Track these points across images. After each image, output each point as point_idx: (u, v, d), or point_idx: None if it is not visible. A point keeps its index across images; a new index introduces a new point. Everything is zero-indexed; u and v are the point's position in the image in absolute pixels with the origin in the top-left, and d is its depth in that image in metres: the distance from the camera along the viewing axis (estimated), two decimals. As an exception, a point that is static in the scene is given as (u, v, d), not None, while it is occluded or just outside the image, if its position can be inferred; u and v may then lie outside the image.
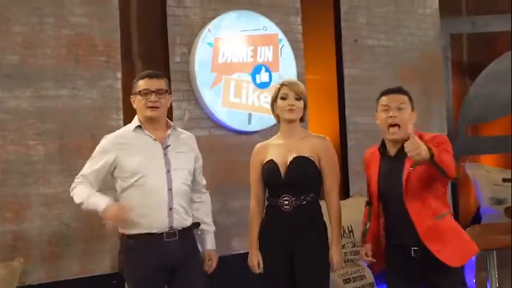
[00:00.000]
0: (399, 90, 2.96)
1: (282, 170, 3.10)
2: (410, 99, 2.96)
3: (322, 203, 3.19)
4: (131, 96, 3.01)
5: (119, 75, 4.17)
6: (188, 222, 3.00)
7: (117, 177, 2.93)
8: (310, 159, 3.09)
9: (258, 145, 3.29)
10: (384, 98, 2.96)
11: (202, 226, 3.13)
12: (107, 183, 3.02)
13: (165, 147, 2.94)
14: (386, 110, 2.90)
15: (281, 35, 4.86)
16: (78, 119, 4.01)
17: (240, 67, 4.65)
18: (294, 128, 3.17)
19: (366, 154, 3.10)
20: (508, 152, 6.24)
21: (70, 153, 3.97)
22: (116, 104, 4.15)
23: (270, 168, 3.15)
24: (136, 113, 3.02)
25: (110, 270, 4.02)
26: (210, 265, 3.13)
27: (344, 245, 4.44)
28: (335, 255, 3.08)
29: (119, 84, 4.17)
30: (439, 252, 2.78)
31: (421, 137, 2.88)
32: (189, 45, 4.50)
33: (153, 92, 2.91)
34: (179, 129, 3.13)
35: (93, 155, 2.98)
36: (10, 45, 3.82)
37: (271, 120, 4.44)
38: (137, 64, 4.51)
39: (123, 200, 2.91)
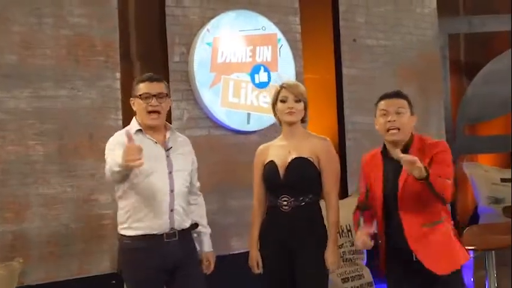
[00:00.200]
0: (397, 95, 2.95)
1: (281, 171, 3.12)
2: (409, 103, 2.94)
3: (322, 204, 3.19)
4: (131, 98, 3.00)
5: (118, 75, 4.17)
6: (187, 223, 3.02)
7: None
8: (310, 160, 3.10)
9: (261, 146, 3.30)
10: (382, 102, 2.94)
11: (198, 228, 3.14)
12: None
13: (167, 150, 2.95)
14: (385, 115, 2.89)
15: (280, 35, 4.86)
16: (77, 119, 4.01)
17: (239, 67, 4.65)
18: (295, 129, 3.18)
19: (365, 158, 3.06)
20: (506, 152, 6.27)
21: (69, 154, 3.97)
22: (115, 104, 4.15)
23: (269, 169, 3.16)
24: (134, 114, 3.03)
25: (109, 271, 4.02)
26: (208, 266, 3.14)
27: (342, 244, 4.45)
28: (330, 256, 3.08)
29: (118, 85, 4.17)
30: (425, 260, 2.80)
31: (423, 141, 2.90)
32: (188, 45, 4.50)
33: (154, 96, 2.91)
34: (176, 131, 3.13)
35: (107, 154, 2.90)
36: (9, 45, 3.81)
37: (269, 120, 4.45)
38: (136, 64, 4.51)
39: (124, 201, 2.90)
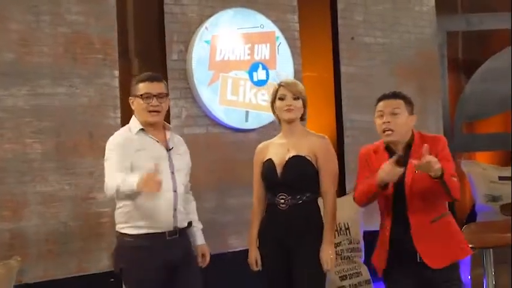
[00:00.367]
0: (394, 95, 2.93)
1: (279, 169, 3.12)
2: (407, 103, 2.91)
3: (321, 202, 3.19)
4: (130, 97, 3.00)
5: (116, 73, 4.16)
6: (186, 222, 3.04)
7: None
8: (307, 158, 3.09)
9: (261, 144, 3.30)
10: (379, 103, 2.93)
11: (196, 228, 3.16)
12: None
13: (169, 150, 2.96)
14: (381, 116, 2.89)
15: (278, 33, 4.86)
16: (75, 117, 4.00)
17: (237, 65, 4.65)
18: (294, 127, 3.18)
19: (367, 150, 3.00)
20: (504, 150, 6.28)
21: (67, 152, 3.96)
22: (113, 102, 4.14)
23: (267, 167, 3.17)
24: (132, 112, 3.02)
25: (107, 269, 4.01)
26: (204, 260, 3.15)
27: (340, 242, 4.45)
28: (324, 254, 3.06)
29: (116, 82, 4.16)
30: (425, 255, 2.79)
31: (423, 138, 2.89)
32: (186, 43, 4.49)
33: (155, 96, 2.91)
34: (173, 132, 3.13)
35: (107, 155, 2.89)
36: (6, 43, 3.80)
37: (268, 117, 4.45)
38: (134, 62, 4.50)
39: (126, 200, 2.88)
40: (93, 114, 4.07)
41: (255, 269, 3.23)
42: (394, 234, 2.87)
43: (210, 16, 4.56)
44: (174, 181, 2.93)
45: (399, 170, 2.69)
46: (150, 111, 2.91)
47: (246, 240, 3.35)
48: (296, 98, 3.13)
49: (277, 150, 3.17)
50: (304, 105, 3.18)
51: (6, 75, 3.78)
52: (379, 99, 2.95)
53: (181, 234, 2.97)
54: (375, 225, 3.12)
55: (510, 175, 5.36)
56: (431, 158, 2.62)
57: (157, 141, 2.95)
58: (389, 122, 2.85)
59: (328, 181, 3.13)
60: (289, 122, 3.16)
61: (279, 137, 3.25)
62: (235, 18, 4.67)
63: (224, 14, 4.62)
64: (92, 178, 3.99)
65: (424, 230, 2.82)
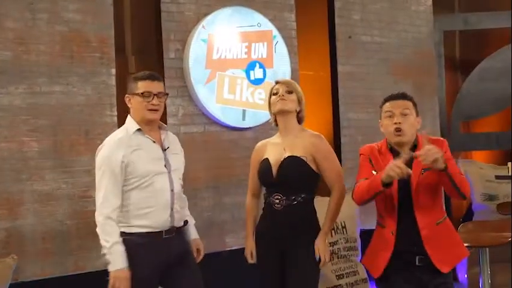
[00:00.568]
0: (403, 96, 2.92)
1: (274, 169, 3.12)
2: (414, 104, 2.92)
3: (318, 203, 3.19)
4: (126, 95, 2.99)
5: (113, 71, 4.16)
6: (183, 221, 3.05)
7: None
8: (303, 159, 3.10)
9: (259, 143, 3.32)
10: (387, 104, 2.92)
11: (189, 222, 3.17)
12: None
13: (165, 149, 2.97)
14: (390, 116, 2.87)
15: (275, 32, 4.86)
16: (72, 116, 4.00)
17: (234, 63, 4.65)
18: (289, 125, 3.18)
19: (370, 149, 2.96)
20: (500, 149, 6.29)
21: (64, 150, 3.96)
22: (110, 101, 4.13)
23: (263, 167, 3.18)
24: (129, 111, 3.01)
25: (104, 267, 3.99)
26: (199, 254, 3.16)
27: (337, 241, 4.46)
28: (321, 244, 3.07)
29: (113, 81, 4.16)
30: (436, 260, 2.79)
31: (427, 141, 2.89)
32: (183, 42, 4.49)
33: (155, 95, 2.92)
34: (168, 130, 3.12)
35: (99, 174, 2.88)
36: (3, 41, 3.79)
37: (265, 116, 4.45)
38: (131, 60, 4.50)
39: (126, 201, 2.88)
40: (90, 113, 4.06)
41: (250, 261, 3.24)
42: (399, 236, 2.84)
43: (207, 15, 4.56)
44: (171, 181, 2.93)
45: (408, 170, 2.65)
46: (149, 110, 2.91)
47: (242, 238, 3.36)
48: (289, 92, 3.15)
49: (274, 150, 3.18)
50: (300, 102, 3.18)
51: (3, 73, 3.77)
52: (386, 100, 2.94)
53: (178, 233, 2.98)
54: (371, 224, 3.12)
55: (506, 174, 5.37)
56: (432, 147, 2.61)
57: (153, 141, 2.96)
58: (400, 122, 2.83)
59: (331, 178, 3.14)
60: (282, 113, 3.15)
61: (276, 136, 3.26)
62: (232, 17, 4.66)
63: (221, 12, 4.62)
64: (89, 176, 3.97)
65: (431, 232, 2.81)
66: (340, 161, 5.20)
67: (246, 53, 4.70)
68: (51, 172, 3.91)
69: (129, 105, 2.99)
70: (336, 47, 5.33)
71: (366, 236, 3.52)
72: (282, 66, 4.86)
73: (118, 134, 2.98)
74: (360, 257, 4.56)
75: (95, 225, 4.00)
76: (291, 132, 3.17)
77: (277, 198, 3.10)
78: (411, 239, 2.81)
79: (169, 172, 2.94)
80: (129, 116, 3.01)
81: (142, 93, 2.90)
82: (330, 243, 4.33)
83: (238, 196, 4.47)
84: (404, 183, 2.80)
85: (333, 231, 4.40)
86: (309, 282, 3.11)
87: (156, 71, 3.16)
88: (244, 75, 4.69)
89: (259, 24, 4.78)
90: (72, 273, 3.93)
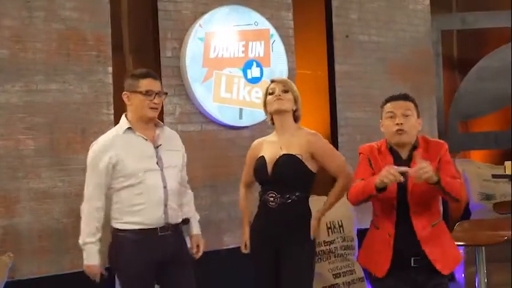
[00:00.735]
0: (405, 97, 2.90)
1: (269, 167, 3.12)
2: (415, 105, 2.90)
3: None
4: (124, 92, 2.97)
5: (110, 69, 4.16)
6: (180, 218, 3.04)
7: (112, 179, 2.94)
8: (298, 157, 3.09)
9: (256, 141, 3.33)
10: (389, 104, 2.89)
11: (188, 214, 3.17)
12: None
13: (157, 147, 2.96)
14: (392, 117, 2.85)
15: (272, 30, 4.86)
16: (68, 114, 4.00)
17: (231, 62, 4.65)
18: (286, 123, 3.18)
19: (370, 148, 2.93)
20: (498, 148, 6.30)
21: (60, 148, 3.96)
22: (106, 99, 4.14)
23: (258, 165, 3.18)
24: (126, 109, 3.01)
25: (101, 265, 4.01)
26: (197, 250, 3.15)
27: (334, 240, 4.45)
28: (314, 221, 3.09)
29: (109, 79, 4.16)
30: (436, 261, 2.78)
31: (426, 142, 2.88)
32: (180, 40, 4.49)
33: (156, 93, 2.93)
34: (165, 127, 3.13)
35: (87, 172, 3.01)
36: (0, 39, 3.79)
37: (262, 115, 4.41)
38: (128, 59, 4.50)
39: (118, 198, 2.92)
40: (86, 111, 4.06)
41: (244, 251, 3.27)
42: (396, 238, 2.82)
43: (204, 13, 4.56)
44: (164, 178, 2.92)
45: (400, 178, 2.64)
46: (151, 108, 2.92)
47: (239, 237, 3.36)
48: (285, 91, 3.16)
49: (270, 148, 3.18)
50: (296, 101, 3.19)
51: (0, 71, 3.77)
52: (388, 100, 2.92)
53: (174, 230, 2.97)
54: (368, 223, 3.12)
55: (503, 173, 5.37)
56: (424, 165, 2.59)
57: (145, 139, 2.94)
58: (402, 123, 2.82)
59: (335, 170, 3.15)
60: (279, 113, 3.16)
61: (273, 135, 3.26)
62: (229, 16, 4.66)
63: (218, 11, 4.62)
64: (85, 175, 3.97)
65: (428, 234, 2.80)
66: (337, 160, 5.23)
67: (243, 52, 4.70)
68: (48, 170, 3.91)
69: (126, 102, 2.97)
70: (333, 46, 5.33)
71: (363, 235, 3.52)
72: (279, 65, 4.86)
73: (110, 133, 2.99)
74: (356, 256, 4.56)
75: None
76: (287, 131, 3.18)
77: (271, 196, 3.10)
78: (408, 241, 2.80)
79: (161, 169, 2.93)
80: (123, 115, 3.00)
81: (145, 92, 2.90)
82: (326, 242, 4.33)
83: (236, 195, 4.44)
84: (402, 185, 2.79)
85: (329, 230, 4.39)
86: (304, 280, 3.11)
87: (153, 70, 3.16)
88: (241, 74, 4.69)
89: (256, 23, 4.78)
90: (68, 272, 3.93)
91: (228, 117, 4.64)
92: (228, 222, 4.64)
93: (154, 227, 2.90)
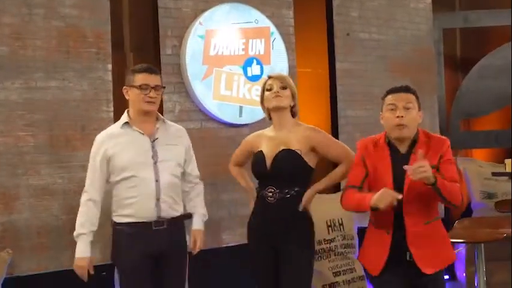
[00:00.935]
0: (406, 89, 2.85)
1: (268, 162, 3.12)
2: (417, 98, 2.85)
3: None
4: (124, 87, 3.03)
5: (110, 67, 4.17)
6: (177, 212, 3.05)
7: (109, 172, 3.00)
8: (297, 152, 3.09)
9: (254, 133, 3.33)
10: (390, 96, 2.84)
11: (195, 213, 3.19)
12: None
13: (153, 140, 2.99)
14: (392, 110, 2.80)
15: (273, 28, 4.85)
16: (68, 111, 4.01)
17: (232, 60, 4.64)
18: (284, 120, 3.18)
19: (366, 144, 2.90)
20: (500, 147, 6.28)
21: (60, 145, 3.97)
22: (106, 96, 4.14)
23: (257, 159, 3.18)
24: (127, 105, 3.06)
25: (99, 262, 4.00)
26: (194, 245, 3.14)
27: (334, 238, 4.44)
28: (307, 193, 3.09)
29: (109, 76, 4.16)
30: (419, 259, 2.75)
31: (428, 136, 2.84)
32: (180, 38, 4.49)
33: (152, 88, 2.96)
34: (169, 122, 3.17)
35: (89, 164, 3.08)
36: None
37: (262, 113, 4.39)
38: (128, 56, 4.51)
39: (116, 191, 2.98)
40: (86, 108, 4.07)
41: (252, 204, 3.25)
42: (394, 235, 2.81)
43: (204, 11, 4.56)
44: (157, 171, 2.95)
45: (394, 202, 2.66)
46: (146, 102, 2.96)
47: (239, 235, 3.36)
48: (283, 88, 3.15)
49: (269, 143, 3.18)
50: (294, 97, 3.18)
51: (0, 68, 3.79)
52: (389, 92, 2.87)
53: (170, 225, 2.98)
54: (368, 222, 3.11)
55: (503, 171, 5.35)
56: (423, 164, 2.57)
57: (141, 133, 2.99)
58: (403, 116, 2.77)
59: (339, 157, 3.14)
60: (277, 110, 3.16)
61: (271, 129, 3.26)
62: (229, 13, 4.66)
63: (218, 8, 4.61)
64: (84, 171, 3.88)
65: (418, 232, 2.77)
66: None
67: (243, 50, 4.70)
68: (47, 167, 3.91)
69: (126, 97, 3.04)
70: (334, 44, 5.32)
71: (363, 233, 3.51)
72: (279, 63, 4.85)
73: (110, 128, 3.08)
74: (357, 255, 4.55)
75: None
76: (285, 127, 3.18)
77: (270, 191, 3.10)
78: (403, 237, 2.78)
79: (155, 163, 2.95)
80: (126, 111, 3.06)
81: (140, 86, 2.94)
82: (327, 240, 4.32)
83: (235, 193, 4.47)
84: (399, 184, 2.78)
85: (330, 229, 4.39)
86: (303, 278, 3.11)
87: (154, 67, 3.17)
88: (241, 71, 4.69)
89: (256, 21, 4.77)
90: (67, 268, 3.89)
91: (227, 115, 4.64)
92: (228, 220, 4.64)
93: (147, 220, 2.93)
